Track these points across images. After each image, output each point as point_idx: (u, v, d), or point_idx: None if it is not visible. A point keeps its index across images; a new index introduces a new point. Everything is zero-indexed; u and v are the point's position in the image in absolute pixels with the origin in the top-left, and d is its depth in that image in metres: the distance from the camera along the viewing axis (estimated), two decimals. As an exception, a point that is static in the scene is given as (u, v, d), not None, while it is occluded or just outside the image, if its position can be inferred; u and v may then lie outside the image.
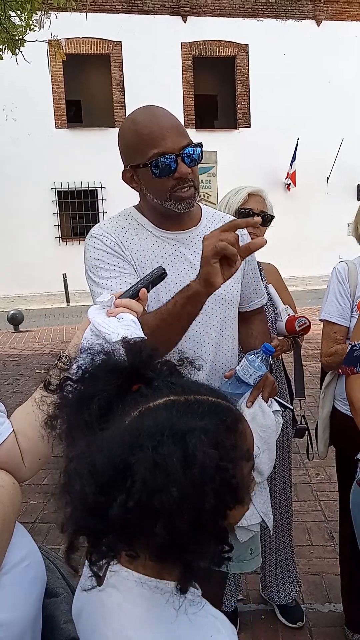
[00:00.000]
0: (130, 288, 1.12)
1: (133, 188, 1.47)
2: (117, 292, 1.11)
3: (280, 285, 2.33)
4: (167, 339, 1.32)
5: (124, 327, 1.01)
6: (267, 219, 2.15)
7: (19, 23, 6.16)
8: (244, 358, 1.45)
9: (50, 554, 1.13)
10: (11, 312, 10.26)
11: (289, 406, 2.07)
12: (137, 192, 1.51)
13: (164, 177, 1.36)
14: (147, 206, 1.49)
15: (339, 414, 2.04)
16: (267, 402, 1.49)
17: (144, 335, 1.03)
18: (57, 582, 1.03)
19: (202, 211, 1.58)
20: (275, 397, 1.54)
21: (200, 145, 1.40)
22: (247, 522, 1.57)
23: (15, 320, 10.10)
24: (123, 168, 1.46)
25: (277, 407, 1.52)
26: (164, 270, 1.17)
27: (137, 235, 1.46)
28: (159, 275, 1.16)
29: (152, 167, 1.35)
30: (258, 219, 1.25)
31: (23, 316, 10.31)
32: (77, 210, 15.95)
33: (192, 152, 1.37)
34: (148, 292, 1.12)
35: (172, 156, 1.34)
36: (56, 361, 1.06)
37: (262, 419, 1.47)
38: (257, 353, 1.44)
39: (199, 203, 1.63)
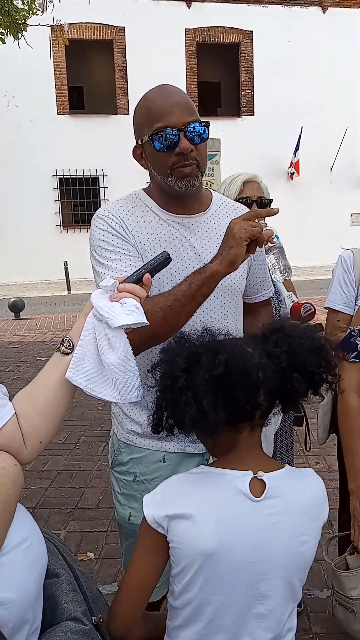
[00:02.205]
0: (134, 273, 1.11)
1: (142, 166, 1.48)
2: (121, 277, 1.10)
3: None
4: (178, 320, 1.33)
5: (127, 312, 1.01)
6: (266, 204, 2.14)
7: (22, 7, 6.10)
8: None
9: (52, 535, 1.14)
10: (12, 300, 10.25)
11: None
12: (141, 178, 1.51)
13: (166, 151, 1.36)
14: (155, 186, 1.48)
15: (341, 401, 2.04)
16: None
17: (146, 321, 1.03)
18: (58, 563, 1.04)
19: (213, 197, 1.57)
20: None
21: (207, 124, 1.40)
22: None
23: (16, 307, 10.11)
24: (133, 148, 1.47)
25: None
26: (169, 255, 1.16)
27: (142, 218, 1.46)
28: (164, 260, 1.15)
29: (155, 141, 1.36)
30: (277, 208, 1.35)
31: (24, 304, 10.31)
32: (79, 198, 15.89)
33: (196, 129, 1.37)
34: (152, 277, 1.12)
35: (175, 131, 1.34)
36: (59, 345, 1.07)
37: None
38: None
39: (210, 189, 1.62)
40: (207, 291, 1.32)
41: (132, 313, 1.01)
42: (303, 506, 1.04)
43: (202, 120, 1.39)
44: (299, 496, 1.05)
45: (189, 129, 1.36)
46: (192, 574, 1.01)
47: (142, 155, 1.45)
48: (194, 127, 1.36)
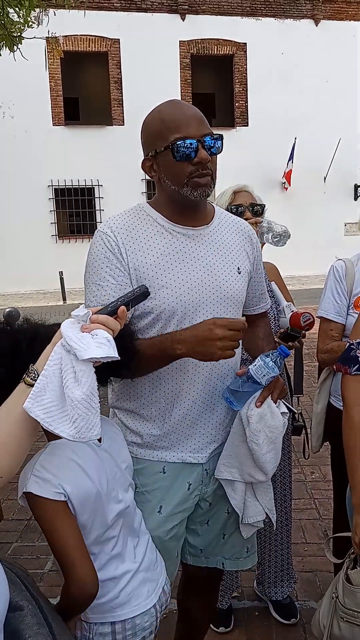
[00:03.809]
0: (109, 304, 1.06)
1: (151, 177, 1.50)
2: (95, 308, 1.06)
3: (280, 284, 2.33)
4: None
5: (97, 344, 0.96)
6: (259, 210, 2.15)
7: (17, 20, 6.15)
8: (259, 358, 1.45)
9: (14, 565, 1.10)
10: (7, 310, 10.17)
11: (294, 409, 2.08)
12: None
13: (184, 161, 1.40)
14: (164, 198, 1.50)
15: (335, 410, 2.04)
16: (275, 404, 1.50)
17: (117, 356, 0.98)
18: (21, 594, 1.00)
19: (215, 211, 1.60)
20: (282, 400, 1.55)
21: (221, 137, 1.45)
22: (253, 519, 1.58)
23: (12, 317, 10.04)
24: (142, 159, 1.49)
25: (284, 408, 1.52)
26: (147, 289, 1.13)
27: (144, 232, 1.47)
28: (142, 294, 1.12)
29: (173, 151, 1.39)
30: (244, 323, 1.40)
31: (19, 314, 10.26)
32: (74, 208, 15.91)
33: (213, 141, 1.42)
34: (128, 310, 1.07)
35: (194, 141, 1.39)
36: (24, 375, 1.01)
37: (271, 420, 1.47)
38: (272, 354, 1.44)
39: (211, 203, 1.64)
40: (159, 365, 1.44)
41: (102, 346, 0.96)
42: (117, 434, 1.47)
43: (214, 133, 1.44)
44: (109, 429, 1.44)
45: (206, 140, 1.41)
46: (90, 513, 1.28)
47: (153, 167, 1.47)
48: (210, 139, 1.42)
